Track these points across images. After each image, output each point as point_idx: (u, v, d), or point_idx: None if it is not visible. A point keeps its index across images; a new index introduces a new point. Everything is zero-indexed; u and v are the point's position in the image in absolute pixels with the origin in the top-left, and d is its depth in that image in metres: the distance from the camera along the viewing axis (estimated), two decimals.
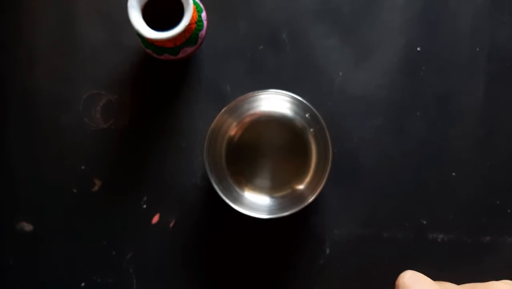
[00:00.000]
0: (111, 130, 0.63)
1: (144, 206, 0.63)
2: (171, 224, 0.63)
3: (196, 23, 0.54)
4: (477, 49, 0.63)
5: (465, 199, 0.62)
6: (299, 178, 0.61)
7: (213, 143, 0.58)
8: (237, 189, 0.60)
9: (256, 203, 0.60)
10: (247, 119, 0.61)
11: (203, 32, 0.57)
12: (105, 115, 0.63)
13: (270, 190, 0.61)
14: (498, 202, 0.62)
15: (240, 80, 0.63)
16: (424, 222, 0.61)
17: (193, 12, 0.53)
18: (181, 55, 0.56)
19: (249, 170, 0.61)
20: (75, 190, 0.63)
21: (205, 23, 0.57)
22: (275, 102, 0.60)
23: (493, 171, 0.62)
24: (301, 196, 0.59)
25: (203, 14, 0.57)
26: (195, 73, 0.63)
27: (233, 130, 0.61)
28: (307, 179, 0.60)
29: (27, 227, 0.63)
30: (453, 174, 0.62)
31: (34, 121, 0.63)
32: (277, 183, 0.61)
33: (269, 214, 0.57)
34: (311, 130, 0.60)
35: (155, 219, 0.63)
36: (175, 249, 0.62)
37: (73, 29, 0.63)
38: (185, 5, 0.51)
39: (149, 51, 0.56)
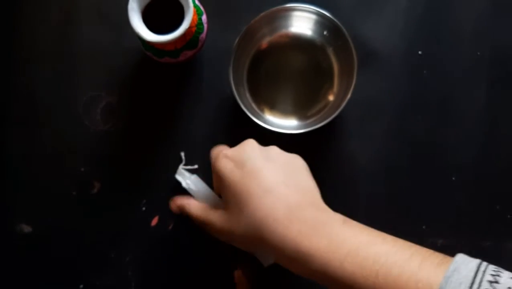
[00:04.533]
0: (111, 132, 0.63)
1: (143, 208, 0.63)
2: (170, 227, 0.62)
3: (196, 26, 0.54)
4: (478, 53, 0.63)
5: (465, 204, 0.62)
6: (323, 98, 0.61)
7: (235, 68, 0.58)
8: (261, 114, 0.61)
9: (282, 125, 0.61)
10: (264, 45, 0.61)
11: (203, 35, 0.57)
12: (105, 117, 0.63)
13: (294, 114, 0.61)
14: (498, 207, 0.62)
15: None
16: (424, 226, 0.61)
17: (194, 15, 0.53)
18: (181, 58, 0.56)
19: (272, 97, 0.62)
20: (74, 192, 0.62)
21: (205, 26, 0.57)
22: (292, 21, 0.61)
23: (493, 176, 0.62)
24: (328, 112, 0.60)
25: (204, 17, 0.56)
26: (195, 75, 0.63)
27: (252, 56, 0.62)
28: (331, 97, 0.61)
29: (26, 228, 0.62)
30: (453, 178, 0.62)
31: (34, 123, 0.63)
32: (301, 107, 0.61)
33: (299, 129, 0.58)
34: (331, 48, 0.60)
35: (154, 221, 0.63)
36: (174, 252, 0.62)
37: (73, 31, 0.63)
38: (185, 8, 0.51)
39: (149, 53, 0.56)
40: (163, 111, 0.63)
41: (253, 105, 0.61)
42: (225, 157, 0.51)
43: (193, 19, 0.53)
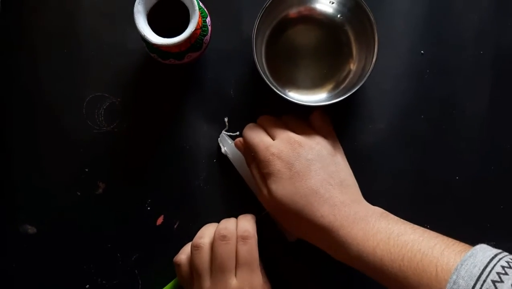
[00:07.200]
0: (115, 133, 0.63)
1: (148, 208, 0.63)
2: (175, 226, 0.63)
3: (201, 29, 0.54)
4: (481, 52, 0.63)
5: (469, 203, 0.63)
6: (343, 68, 0.61)
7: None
8: (281, 90, 0.60)
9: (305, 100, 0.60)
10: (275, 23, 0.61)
11: (207, 37, 0.56)
12: (108, 117, 0.63)
13: (314, 90, 0.62)
14: (502, 206, 0.63)
15: (243, 84, 0.63)
16: (428, 226, 0.61)
17: (199, 18, 0.53)
18: (186, 60, 0.56)
19: (291, 75, 0.62)
20: (79, 193, 0.63)
21: (210, 28, 0.56)
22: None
23: (497, 175, 0.63)
24: (350, 83, 0.60)
25: (208, 20, 0.56)
26: (198, 76, 0.63)
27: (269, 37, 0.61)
28: (353, 65, 0.61)
29: (31, 229, 0.63)
30: (457, 177, 0.63)
31: (37, 124, 0.63)
32: (319, 82, 0.62)
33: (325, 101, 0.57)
34: (339, 15, 0.60)
35: (159, 220, 0.63)
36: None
37: (78, 32, 0.63)
38: (191, 10, 0.51)
39: (154, 55, 0.56)
40: (166, 111, 0.63)
41: (276, 85, 0.61)
42: (272, 155, 0.55)
43: (198, 22, 0.52)
